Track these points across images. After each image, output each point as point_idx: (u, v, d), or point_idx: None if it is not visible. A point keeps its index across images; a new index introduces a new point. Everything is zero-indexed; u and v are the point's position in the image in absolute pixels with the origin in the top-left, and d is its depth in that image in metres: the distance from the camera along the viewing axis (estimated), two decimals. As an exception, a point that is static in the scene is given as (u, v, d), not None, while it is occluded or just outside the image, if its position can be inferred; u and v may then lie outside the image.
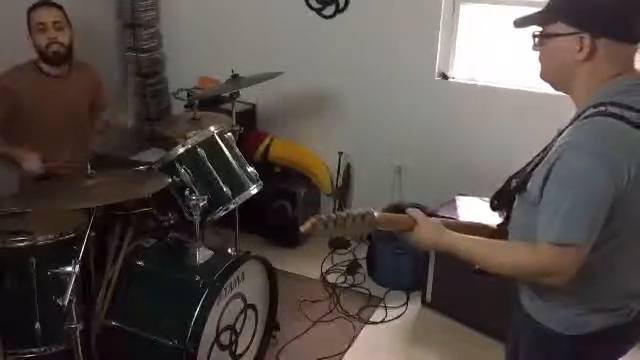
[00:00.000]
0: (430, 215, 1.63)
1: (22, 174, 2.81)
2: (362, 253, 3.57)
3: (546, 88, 1.51)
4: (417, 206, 1.76)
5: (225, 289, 2.27)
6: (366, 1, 3.44)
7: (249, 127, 3.55)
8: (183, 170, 2.41)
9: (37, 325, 2.23)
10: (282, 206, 3.63)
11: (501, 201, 1.54)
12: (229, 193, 2.47)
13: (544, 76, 1.46)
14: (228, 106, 3.28)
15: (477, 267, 1.46)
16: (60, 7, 2.80)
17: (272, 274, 2.57)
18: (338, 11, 3.51)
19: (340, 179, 3.76)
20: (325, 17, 3.55)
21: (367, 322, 3.05)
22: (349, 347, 2.85)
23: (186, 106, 3.67)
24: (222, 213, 2.49)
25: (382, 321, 3.06)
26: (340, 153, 3.71)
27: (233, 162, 2.57)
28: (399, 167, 3.59)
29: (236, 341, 2.42)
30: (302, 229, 1.42)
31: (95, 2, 3.71)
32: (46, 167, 2.71)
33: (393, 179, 3.63)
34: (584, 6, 1.35)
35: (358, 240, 3.70)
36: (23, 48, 2.77)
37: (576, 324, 1.41)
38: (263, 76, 3.07)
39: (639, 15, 1.32)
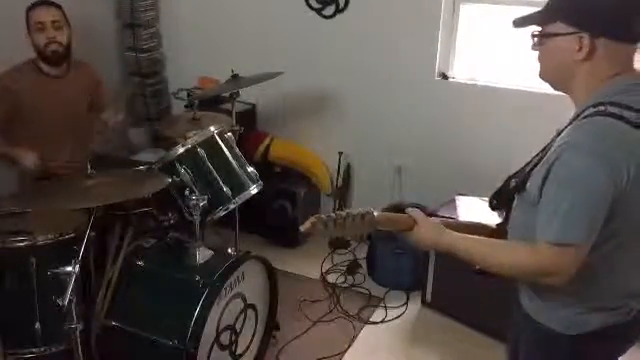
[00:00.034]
0: (430, 215, 1.62)
1: (22, 174, 2.81)
2: (362, 253, 3.57)
3: (546, 88, 1.51)
4: (417, 206, 1.75)
5: (225, 289, 2.27)
6: (366, 1, 3.44)
7: (249, 127, 3.55)
8: (183, 170, 2.41)
9: (37, 325, 2.23)
10: (282, 206, 3.63)
11: (500, 201, 1.54)
12: (229, 193, 2.47)
13: (543, 76, 1.46)
14: (228, 106, 3.28)
15: (477, 267, 1.46)
16: (59, 6, 2.79)
17: (272, 274, 2.57)
18: (338, 11, 3.50)
19: (340, 179, 3.76)
20: (325, 17, 3.54)
21: (367, 322, 3.05)
22: (349, 347, 2.85)
23: (186, 106, 3.67)
24: (222, 213, 2.49)
25: (382, 321, 3.06)
26: (340, 153, 3.71)
27: (233, 162, 2.57)
28: (399, 167, 3.59)
29: (236, 341, 2.42)
30: (302, 229, 1.43)
31: (94, 2, 3.70)
32: (46, 167, 2.71)
33: (393, 179, 3.63)
34: (583, 6, 1.35)
35: (358, 240, 3.70)
36: (22, 47, 2.77)
37: (576, 323, 1.41)
38: (263, 76, 3.07)
39: (638, 15, 1.32)
